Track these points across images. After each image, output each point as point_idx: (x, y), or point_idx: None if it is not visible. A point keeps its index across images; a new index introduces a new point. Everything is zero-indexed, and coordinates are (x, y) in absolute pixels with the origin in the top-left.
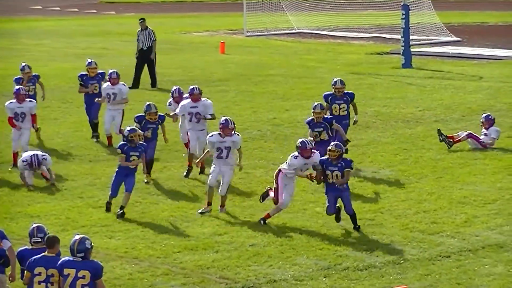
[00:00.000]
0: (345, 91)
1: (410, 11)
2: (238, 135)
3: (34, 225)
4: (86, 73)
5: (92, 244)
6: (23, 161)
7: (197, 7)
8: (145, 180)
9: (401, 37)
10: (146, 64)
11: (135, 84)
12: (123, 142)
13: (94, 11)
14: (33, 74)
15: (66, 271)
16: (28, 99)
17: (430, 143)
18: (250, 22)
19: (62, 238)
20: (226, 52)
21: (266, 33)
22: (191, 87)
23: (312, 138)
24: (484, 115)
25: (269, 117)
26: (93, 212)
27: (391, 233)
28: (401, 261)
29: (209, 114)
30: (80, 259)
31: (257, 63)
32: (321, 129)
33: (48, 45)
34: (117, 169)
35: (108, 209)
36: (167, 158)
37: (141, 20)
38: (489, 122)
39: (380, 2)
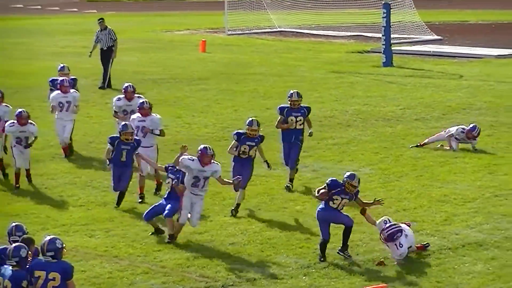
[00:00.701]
0: (302, 105)
1: (391, 10)
2: (218, 164)
3: (13, 224)
4: (57, 78)
5: (64, 244)
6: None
7: (178, 5)
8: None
9: (382, 35)
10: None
11: (108, 84)
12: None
13: (75, 9)
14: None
15: (36, 273)
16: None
17: (411, 141)
18: (231, 20)
19: (42, 237)
20: (207, 50)
21: (247, 31)
22: (141, 101)
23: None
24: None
25: (249, 115)
26: (73, 211)
27: (371, 232)
28: (381, 260)
29: (158, 130)
30: (50, 258)
31: (238, 61)
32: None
33: (29, 44)
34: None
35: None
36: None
37: (100, 20)
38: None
39: (361, 0)
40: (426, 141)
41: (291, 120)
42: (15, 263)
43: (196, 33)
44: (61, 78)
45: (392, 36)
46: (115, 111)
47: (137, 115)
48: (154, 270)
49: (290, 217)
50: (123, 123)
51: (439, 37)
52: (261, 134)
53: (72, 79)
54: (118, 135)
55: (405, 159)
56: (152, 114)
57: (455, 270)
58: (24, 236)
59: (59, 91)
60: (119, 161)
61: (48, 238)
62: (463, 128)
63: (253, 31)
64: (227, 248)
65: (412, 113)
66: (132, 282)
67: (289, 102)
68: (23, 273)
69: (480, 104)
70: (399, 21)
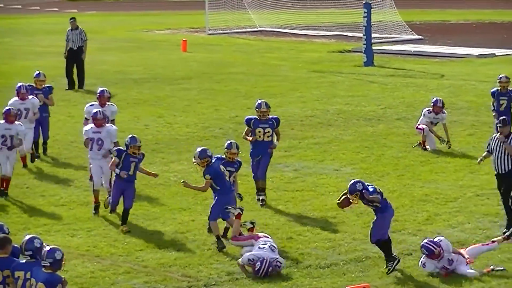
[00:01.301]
0: (271, 116)
1: (372, 9)
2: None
3: None
4: (33, 84)
5: (43, 243)
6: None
7: (159, 5)
8: (124, 230)
9: (363, 35)
10: (75, 64)
11: (71, 85)
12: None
13: (56, 9)
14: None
15: (16, 274)
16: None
17: (392, 141)
18: (212, 20)
19: (24, 237)
20: (188, 50)
21: (228, 31)
22: (95, 111)
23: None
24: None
25: (231, 115)
26: (55, 211)
27: (353, 231)
28: (363, 259)
29: (113, 143)
30: (29, 258)
31: (219, 61)
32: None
33: (9, 43)
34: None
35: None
36: None
37: (71, 20)
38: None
39: (342, 0)
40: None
41: (259, 132)
42: (49, 264)
43: (177, 32)
44: (19, 85)
45: (373, 35)
46: (86, 118)
47: (90, 126)
48: (136, 270)
49: (272, 217)
50: (131, 135)
51: (420, 37)
52: (239, 160)
53: (47, 87)
54: (125, 148)
55: (387, 159)
56: (107, 124)
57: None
58: (0, 235)
59: (17, 98)
60: (127, 176)
61: (28, 237)
62: (428, 109)
63: (234, 30)
64: (209, 247)
65: (393, 112)
66: (114, 281)
67: (257, 113)
68: (59, 278)
69: (462, 104)
70: (380, 21)
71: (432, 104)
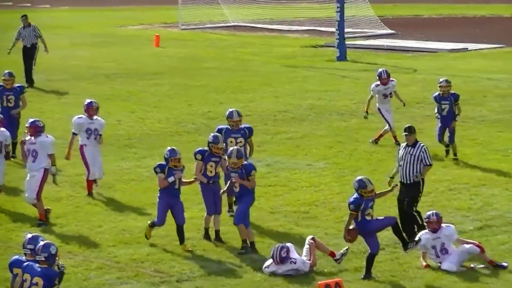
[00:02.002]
0: (243, 125)
1: (344, 4)
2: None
3: None
4: (1, 84)
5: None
6: None
7: (131, 0)
8: (186, 248)
9: (336, 30)
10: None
11: (30, 82)
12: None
13: (29, 4)
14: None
15: (15, 270)
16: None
17: (365, 135)
18: (185, 15)
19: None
20: (161, 45)
21: (201, 26)
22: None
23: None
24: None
25: (203, 110)
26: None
27: (326, 226)
28: None
29: (49, 155)
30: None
31: (192, 56)
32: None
33: None
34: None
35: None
36: (103, 151)
37: (23, 17)
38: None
39: None
40: (381, 132)
41: (231, 142)
42: (43, 259)
43: (149, 28)
44: None
45: (346, 30)
46: (73, 133)
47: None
48: (109, 266)
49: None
50: (169, 148)
51: (393, 31)
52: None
53: (18, 86)
54: (165, 162)
55: (359, 154)
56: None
57: (410, 264)
58: None
59: None
60: (173, 190)
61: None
62: (375, 83)
63: (207, 25)
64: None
65: None
66: (87, 277)
67: (228, 123)
68: (55, 272)
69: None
70: (352, 16)
71: (378, 77)
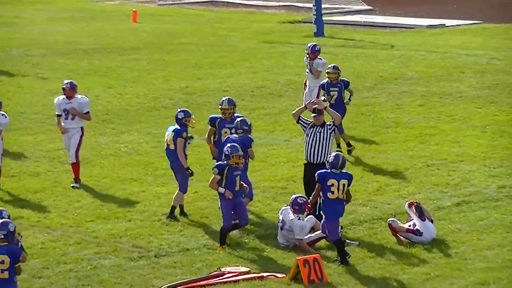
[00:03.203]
0: (236, 114)
1: None
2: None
3: None
4: None
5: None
6: None
7: None
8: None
9: (313, 5)
10: None
11: None
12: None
13: None
14: None
15: None
16: None
17: None
18: None
19: None
20: (138, 20)
21: (178, 2)
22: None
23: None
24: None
25: (181, 85)
26: (5, 182)
27: None
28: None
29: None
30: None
31: (169, 31)
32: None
33: None
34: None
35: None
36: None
37: None
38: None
39: None
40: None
41: (225, 133)
42: (2, 237)
43: (127, 3)
44: None
45: (323, 6)
46: (57, 114)
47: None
48: (87, 241)
49: None
50: (229, 144)
51: (370, 7)
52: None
53: None
54: (225, 159)
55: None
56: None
57: (387, 239)
58: None
59: None
60: (233, 191)
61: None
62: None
63: (184, 1)
64: (160, 218)
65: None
66: (65, 252)
67: (220, 111)
68: (19, 249)
69: (412, 74)
70: None
71: (310, 50)
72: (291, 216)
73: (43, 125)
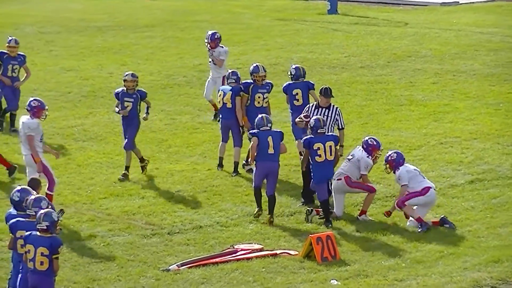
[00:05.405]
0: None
1: None
2: None
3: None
4: (6, 51)
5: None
6: None
7: None
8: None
9: None
10: None
11: None
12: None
13: None
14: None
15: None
16: None
17: (356, 89)
18: None
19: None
20: None
21: None
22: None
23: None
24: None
25: (195, 63)
26: (18, 159)
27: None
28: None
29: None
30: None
31: (183, 9)
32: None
33: None
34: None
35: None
36: (93, 104)
37: None
38: None
39: None
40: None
41: (258, 97)
42: (45, 228)
43: None
44: None
45: None
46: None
47: None
48: (100, 218)
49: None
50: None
51: None
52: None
53: (22, 55)
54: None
55: (351, 107)
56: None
57: (401, 217)
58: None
59: None
60: (266, 154)
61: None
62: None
63: None
64: (173, 195)
65: (357, 60)
66: (78, 229)
67: (254, 77)
68: (60, 241)
69: (425, 52)
70: None
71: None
72: (361, 153)
73: (57, 102)
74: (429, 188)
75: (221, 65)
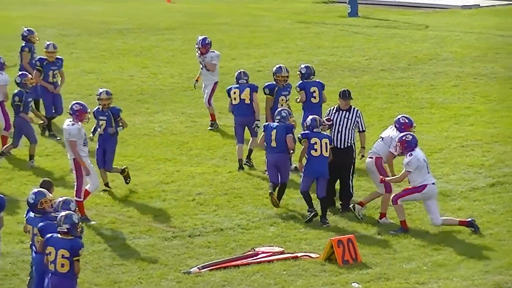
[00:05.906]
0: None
1: None
2: None
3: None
4: (45, 57)
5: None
6: None
7: None
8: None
9: None
10: None
11: None
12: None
13: None
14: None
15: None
16: None
17: (377, 92)
18: None
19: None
20: (173, 0)
21: None
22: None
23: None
24: None
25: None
26: (39, 161)
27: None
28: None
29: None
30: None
31: (204, 11)
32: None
33: None
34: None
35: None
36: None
37: None
38: None
39: None
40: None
41: (282, 100)
42: (66, 230)
43: None
44: None
45: None
46: None
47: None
48: (121, 220)
49: (257, 167)
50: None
51: None
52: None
53: (60, 59)
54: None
55: (371, 110)
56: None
57: (423, 220)
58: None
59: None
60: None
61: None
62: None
63: None
64: (194, 198)
65: (378, 63)
66: (99, 232)
67: (277, 78)
68: (81, 243)
69: (446, 55)
70: None
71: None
72: (393, 132)
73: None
74: (425, 185)
75: (213, 69)
